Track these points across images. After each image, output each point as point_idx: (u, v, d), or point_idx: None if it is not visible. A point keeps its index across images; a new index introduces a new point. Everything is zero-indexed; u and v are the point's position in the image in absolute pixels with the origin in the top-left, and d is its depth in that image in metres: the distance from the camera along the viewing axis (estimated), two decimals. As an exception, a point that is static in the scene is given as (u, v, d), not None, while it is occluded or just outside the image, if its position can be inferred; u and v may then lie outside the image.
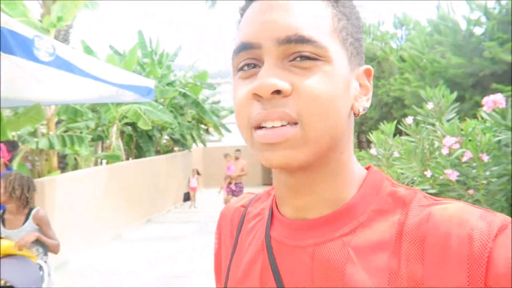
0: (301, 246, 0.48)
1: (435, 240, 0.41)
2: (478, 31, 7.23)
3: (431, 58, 7.34)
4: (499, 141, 2.25)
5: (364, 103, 0.49)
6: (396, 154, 2.90)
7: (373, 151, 3.19)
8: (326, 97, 0.43)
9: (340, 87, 0.45)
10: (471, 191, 2.28)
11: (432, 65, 7.29)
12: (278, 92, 0.42)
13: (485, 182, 2.21)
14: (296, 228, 0.49)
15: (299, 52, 0.43)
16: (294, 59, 0.43)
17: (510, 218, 0.42)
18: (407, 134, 2.90)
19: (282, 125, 0.43)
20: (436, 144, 2.58)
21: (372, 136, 3.24)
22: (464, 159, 2.21)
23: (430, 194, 2.17)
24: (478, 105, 6.91)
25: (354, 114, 0.49)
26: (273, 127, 0.43)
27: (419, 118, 2.74)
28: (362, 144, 15.62)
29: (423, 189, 2.66)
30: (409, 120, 2.63)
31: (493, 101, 2.41)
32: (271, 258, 0.50)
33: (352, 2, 0.50)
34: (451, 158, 2.29)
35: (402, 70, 8.56)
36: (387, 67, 11.63)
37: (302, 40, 0.42)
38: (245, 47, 0.45)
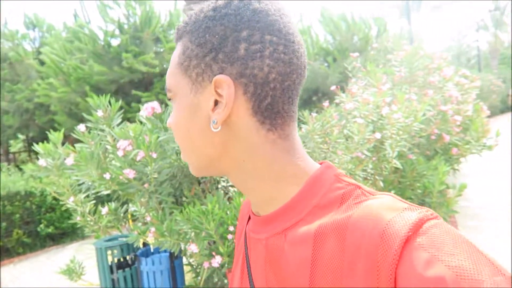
0: (259, 239, 0.54)
1: (353, 238, 0.42)
2: (115, 42, 7.96)
3: (74, 64, 7.44)
4: (159, 140, 2.74)
5: (216, 116, 0.49)
6: (68, 163, 2.91)
7: (41, 162, 3.03)
8: (174, 129, 0.55)
9: (184, 114, 0.52)
10: (146, 185, 2.68)
11: (76, 71, 7.41)
12: None
13: (155, 175, 2.67)
14: (256, 223, 0.56)
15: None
16: None
17: (432, 212, 0.42)
18: (73, 143, 2.97)
19: None
20: (109, 148, 2.81)
21: (38, 147, 3.07)
22: (138, 158, 2.57)
23: (109, 193, 2.44)
24: (121, 108, 7.69)
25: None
26: None
27: (89, 125, 2.87)
28: (-1, 157, 13.62)
29: (97, 192, 2.84)
30: (81, 127, 2.72)
31: (152, 107, 2.90)
32: (245, 250, 0.58)
33: (203, 22, 0.51)
34: (128, 159, 2.59)
35: (44, 74, 8.18)
36: (22, 70, 10.66)
37: (166, 89, 0.56)
38: None
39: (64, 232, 5.93)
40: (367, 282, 0.39)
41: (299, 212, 0.50)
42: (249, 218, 0.61)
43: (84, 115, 2.89)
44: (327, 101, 3.94)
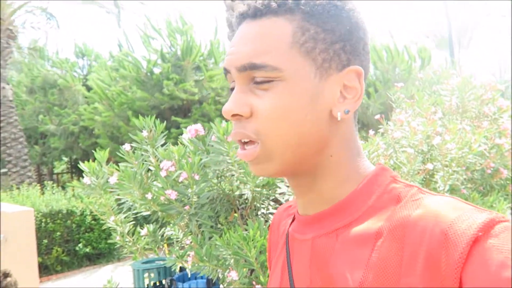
0: (304, 240, 0.53)
1: (413, 236, 0.41)
2: (157, 70, 8.26)
3: (118, 90, 7.73)
4: (202, 162, 2.71)
5: (346, 106, 0.49)
6: (112, 181, 2.92)
7: (86, 180, 3.07)
8: (279, 114, 0.47)
9: (300, 100, 0.48)
10: (187, 207, 2.63)
11: (120, 97, 7.68)
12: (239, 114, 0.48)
13: (196, 198, 2.62)
14: (302, 223, 0.54)
15: (254, 77, 0.48)
16: (255, 83, 0.48)
17: (502, 214, 0.41)
18: (117, 162, 2.99)
19: (245, 143, 0.49)
20: (151, 168, 2.80)
21: (83, 165, 3.12)
22: (180, 179, 2.53)
23: (148, 214, 2.38)
24: (169, 134, 7.85)
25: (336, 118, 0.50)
26: (243, 147, 0.50)
27: (133, 145, 2.89)
28: (43, 177, 14.20)
29: (139, 212, 2.82)
30: (127, 147, 2.74)
31: (195, 129, 2.90)
32: (287, 251, 0.56)
33: (326, 7, 0.49)
34: (170, 180, 2.57)
35: (90, 99, 8.54)
36: (70, 95, 11.22)
37: (254, 67, 0.47)
38: (224, 72, 0.52)
39: (101, 253, 5.98)
40: (428, 281, 0.38)
41: (353, 212, 0.49)
42: (293, 220, 0.60)
43: (130, 135, 2.92)
44: (371, 131, 3.83)
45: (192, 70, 8.21)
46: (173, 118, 7.58)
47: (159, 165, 2.67)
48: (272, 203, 3.05)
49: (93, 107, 7.97)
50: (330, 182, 0.51)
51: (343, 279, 0.45)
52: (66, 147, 10.84)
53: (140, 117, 2.87)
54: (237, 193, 2.72)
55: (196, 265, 2.50)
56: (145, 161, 2.83)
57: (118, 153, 2.84)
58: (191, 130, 2.85)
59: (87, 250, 5.61)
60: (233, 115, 0.49)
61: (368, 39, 0.53)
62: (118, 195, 2.91)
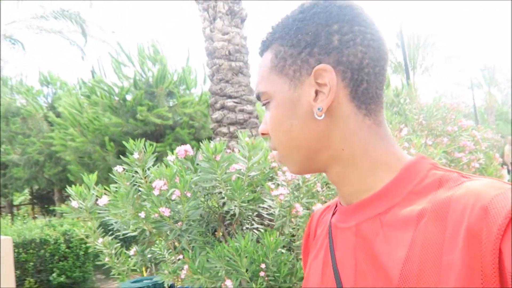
0: (348, 227, 0.56)
1: (455, 216, 0.42)
2: (128, 97, 8.33)
3: (91, 117, 7.72)
4: (192, 181, 2.87)
5: (320, 103, 0.53)
6: (101, 203, 3.01)
7: (74, 203, 3.13)
8: (274, 127, 0.57)
9: (283, 112, 0.56)
10: (179, 223, 2.76)
11: (92, 123, 7.67)
12: None
13: (188, 214, 2.75)
14: (344, 212, 0.58)
15: (262, 102, 0.60)
16: (263, 105, 0.61)
17: None
18: (105, 185, 3.08)
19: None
20: (141, 189, 2.93)
21: (71, 190, 3.18)
22: (173, 197, 2.67)
23: (137, 234, 2.57)
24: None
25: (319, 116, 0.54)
26: None
27: (124, 167, 3.01)
28: (1, 209, 13.56)
29: (137, 229, 2.91)
30: (119, 168, 2.86)
31: (185, 150, 3.06)
32: (330, 240, 0.60)
33: (293, 24, 0.55)
34: (163, 198, 2.70)
35: (61, 126, 8.45)
36: (34, 124, 10.96)
37: (258, 95, 0.59)
38: None
39: (75, 282, 5.83)
40: (469, 256, 0.39)
41: (394, 197, 0.51)
42: (334, 212, 0.63)
43: (122, 157, 3.04)
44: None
45: (164, 97, 8.36)
46: (147, 142, 7.66)
47: (150, 185, 2.80)
48: (256, 218, 3.23)
49: (64, 133, 7.89)
50: (358, 172, 0.54)
51: (388, 259, 0.47)
52: (30, 176, 10.50)
53: (131, 140, 3.01)
54: (225, 208, 2.88)
55: (190, 278, 2.62)
56: (136, 182, 2.95)
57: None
58: (181, 151, 3.02)
59: (61, 279, 5.47)
60: (262, 134, 0.61)
61: (350, 25, 0.53)
62: (106, 216, 3.00)
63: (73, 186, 3.24)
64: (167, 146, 7.67)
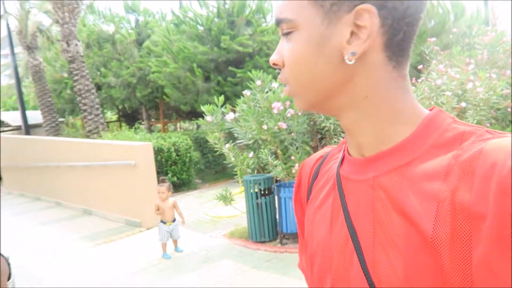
0: (363, 180, 0.53)
1: (483, 170, 0.42)
2: (213, 26, 9.18)
3: (182, 45, 8.76)
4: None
5: (354, 48, 0.48)
6: (228, 118, 4.10)
7: (208, 118, 4.26)
8: (294, 62, 0.51)
9: (308, 47, 0.50)
10: (293, 134, 3.81)
11: (183, 52, 8.73)
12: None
13: (298, 127, 3.78)
14: (358, 164, 0.55)
15: (283, 29, 0.52)
16: (283, 34, 0.53)
17: None
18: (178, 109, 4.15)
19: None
20: (259, 108, 3.95)
21: (203, 108, 4.29)
22: (288, 115, 3.68)
23: (251, 143, 3.90)
24: (219, 83, 8.99)
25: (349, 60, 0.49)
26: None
27: (249, 92, 4.02)
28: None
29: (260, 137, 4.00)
30: (247, 92, 3.88)
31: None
32: (340, 192, 0.57)
33: None
34: (282, 115, 3.72)
35: (154, 53, 9.60)
36: (123, 49, 12.25)
37: (279, 21, 0.52)
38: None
39: (183, 182, 7.36)
40: (499, 209, 0.39)
41: (415, 150, 0.49)
42: (341, 162, 0.60)
43: (248, 84, 4.04)
44: (414, 78, 4.84)
45: (244, 26, 9.12)
46: (229, 68, 8.66)
47: (270, 105, 3.80)
48: (343, 134, 4.17)
49: (159, 60, 9.06)
50: (376, 122, 0.52)
51: (415, 211, 0.46)
52: (125, 97, 12.10)
53: (253, 70, 3.97)
54: (323, 125, 3.85)
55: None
56: (257, 104, 3.97)
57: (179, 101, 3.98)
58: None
59: (174, 179, 6.97)
60: (273, 64, 0.55)
61: None
62: (231, 129, 4.10)
63: (206, 105, 4.35)
64: (247, 72, 8.62)
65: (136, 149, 5.23)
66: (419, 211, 0.45)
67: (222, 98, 4.24)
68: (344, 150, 0.60)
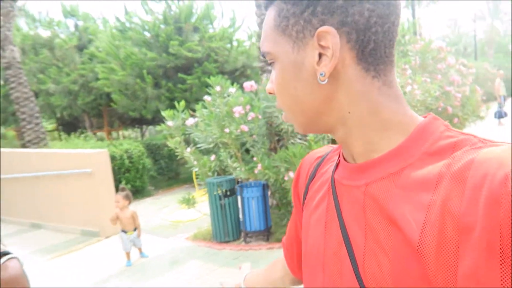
0: (356, 186, 0.54)
1: (474, 181, 0.41)
2: (161, 32, 9.17)
3: (129, 51, 8.65)
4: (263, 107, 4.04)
5: (322, 68, 0.50)
6: (189, 123, 4.21)
7: (169, 123, 4.33)
8: (279, 90, 0.55)
9: (286, 74, 0.53)
10: (254, 136, 3.99)
11: (130, 58, 8.62)
12: None
13: (258, 130, 3.98)
14: (351, 170, 0.56)
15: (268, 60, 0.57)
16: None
17: None
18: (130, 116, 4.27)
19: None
20: (222, 113, 4.11)
21: (164, 113, 4.36)
22: (249, 118, 3.87)
23: (212, 146, 4.18)
24: (169, 89, 8.97)
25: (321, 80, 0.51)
26: None
27: (207, 98, 4.16)
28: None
29: (223, 142, 4.14)
30: (208, 98, 4.02)
31: (251, 85, 4.20)
32: (334, 196, 0.58)
33: None
34: (243, 119, 3.90)
35: (100, 59, 9.36)
36: (62, 55, 11.74)
37: (263, 54, 0.57)
38: None
39: (137, 190, 7.26)
40: (489, 220, 0.39)
41: (407, 158, 0.50)
42: (337, 166, 0.61)
43: (208, 90, 4.17)
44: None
45: (191, 32, 9.21)
46: (179, 75, 8.70)
47: (231, 109, 3.97)
48: (299, 135, 4.45)
49: (109, 67, 8.85)
50: (364, 133, 0.53)
51: (404, 219, 0.46)
52: (66, 104, 11.59)
53: (211, 77, 4.12)
54: (281, 127, 4.09)
55: (262, 173, 3.90)
56: (218, 108, 4.12)
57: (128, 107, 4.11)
58: (247, 86, 4.16)
59: (128, 187, 6.88)
60: (269, 93, 0.60)
61: None
62: (192, 133, 4.21)
63: (166, 110, 4.42)
64: (196, 78, 8.71)
65: (92, 157, 5.13)
66: (407, 219, 0.46)
67: (183, 103, 4.34)
68: (339, 154, 0.61)
